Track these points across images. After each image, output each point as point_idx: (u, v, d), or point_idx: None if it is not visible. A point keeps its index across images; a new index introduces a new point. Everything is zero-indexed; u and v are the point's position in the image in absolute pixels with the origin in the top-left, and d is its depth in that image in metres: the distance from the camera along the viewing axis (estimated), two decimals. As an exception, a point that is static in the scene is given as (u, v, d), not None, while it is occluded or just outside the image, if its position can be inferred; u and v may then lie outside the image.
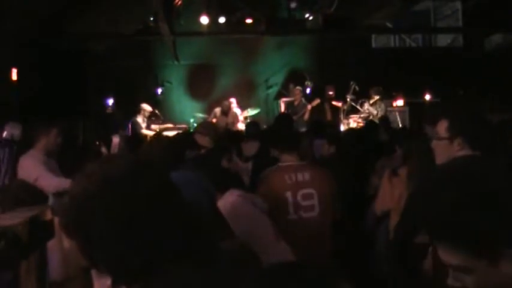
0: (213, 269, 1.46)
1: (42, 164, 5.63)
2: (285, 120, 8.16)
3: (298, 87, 13.67)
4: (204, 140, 5.04)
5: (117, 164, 1.53)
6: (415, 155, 4.55)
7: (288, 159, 4.71)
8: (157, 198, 1.50)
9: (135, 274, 1.47)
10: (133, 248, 1.44)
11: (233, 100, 14.17)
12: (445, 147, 3.26)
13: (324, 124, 8.29)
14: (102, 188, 1.47)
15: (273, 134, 6.04)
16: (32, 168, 5.59)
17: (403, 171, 4.68)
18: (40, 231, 2.30)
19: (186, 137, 4.63)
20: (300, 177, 4.56)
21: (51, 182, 5.44)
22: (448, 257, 1.47)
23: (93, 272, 2.92)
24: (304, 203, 4.50)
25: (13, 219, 2.09)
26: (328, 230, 4.63)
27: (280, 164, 4.71)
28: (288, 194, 4.46)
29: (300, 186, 4.52)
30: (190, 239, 1.50)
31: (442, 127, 3.26)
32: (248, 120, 12.69)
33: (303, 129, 10.74)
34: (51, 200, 4.34)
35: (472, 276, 1.45)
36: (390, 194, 4.72)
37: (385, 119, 10.54)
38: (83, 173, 1.53)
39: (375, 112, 12.53)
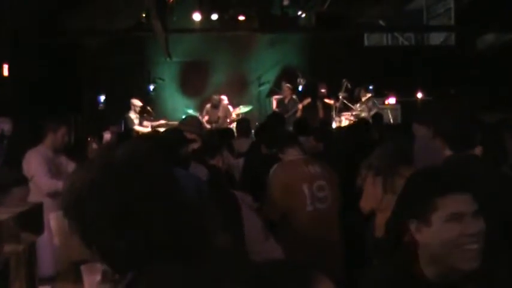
0: (204, 267, 1.46)
1: (44, 162, 5.69)
2: (277, 118, 8.19)
3: (288, 85, 13.67)
4: (190, 136, 5.04)
5: (119, 152, 1.52)
6: (388, 154, 4.62)
7: (294, 154, 4.75)
8: (158, 189, 1.49)
9: (128, 264, 1.46)
10: (129, 237, 1.44)
11: (224, 97, 14.16)
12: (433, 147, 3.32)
13: (307, 122, 8.29)
14: (102, 175, 1.47)
15: (270, 133, 6.06)
16: (33, 164, 5.67)
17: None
18: (29, 226, 2.30)
19: (176, 135, 4.61)
20: (312, 169, 4.63)
21: (45, 183, 5.52)
22: (467, 205, 2.01)
23: (83, 268, 2.93)
24: (319, 195, 4.56)
25: (3, 213, 2.09)
26: (337, 221, 4.70)
27: (289, 158, 4.73)
28: (305, 187, 4.53)
29: (314, 178, 4.58)
30: (185, 235, 1.49)
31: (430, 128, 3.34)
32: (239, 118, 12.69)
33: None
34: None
35: (479, 219, 2.02)
36: (373, 193, 4.79)
37: (378, 116, 10.57)
38: (87, 160, 1.54)
39: (366, 110, 12.56)
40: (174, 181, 1.57)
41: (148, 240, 1.44)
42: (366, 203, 4.94)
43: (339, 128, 11.79)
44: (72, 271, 3.33)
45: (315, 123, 9.97)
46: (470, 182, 2.11)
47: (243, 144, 6.86)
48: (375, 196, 4.76)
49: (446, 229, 2.02)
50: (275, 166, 4.73)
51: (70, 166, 5.93)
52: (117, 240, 1.44)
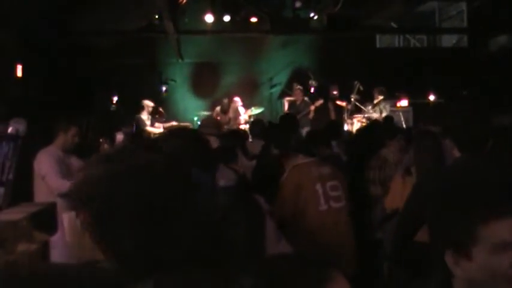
0: (218, 270, 1.44)
1: (55, 162, 5.72)
2: (290, 120, 8.17)
3: (299, 87, 13.68)
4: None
5: (143, 150, 1.52)
6: (421, 153, 4.60)
7: (302, 157, 4.78)
8: (184, 191, 1.48)
9: (144, 269, 1.42)
10: (149, 239, 1.41)
11: (237, 99, 14.17)
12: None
13: (339, 125, 8.29)
14: (126, 171, 1.45)
15: (282, 134, 6.06)
16: (44, 165, 5.71)
17: (414, 170, 4.74)
18: (42, 226, 2.32)
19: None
20: (322, 170, 4.66)
21: (55, 183, 5.55)
22: None
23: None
24: (333, 194, 4.59)
25: (16, 213, 2.11)
26: (350, 220, 4.71)
27: (298, 162, 4.76)
28: (318, 186, 4.57)
29: (327, 179, 4.63)
30: (201, 239, 1.47)
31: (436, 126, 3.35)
32: (252, 119, 12.69)
33: (307, 128, 10.75)
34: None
35: None
36: (401, 192, 4.79)
37: (389, 119, 10.54)
38: (107, 154, 1.53)
39: (378, 112, 12.53)
40: (196, 183, 1.56)
41: (170, 243, 1.42)
42: (392, 202, 4.95)
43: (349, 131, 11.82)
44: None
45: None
46: None
47: (256, 146, 6.85)
48: (403, 195, 4.75)
49: (493, 262, 1.65)
50: (288, 169, 4.76)
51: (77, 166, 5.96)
52: (132, 240, 1.41)
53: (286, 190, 4.61)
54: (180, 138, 3.04)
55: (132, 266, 1.45)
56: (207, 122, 7.42)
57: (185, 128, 7.80)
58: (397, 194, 4.87)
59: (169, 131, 4.13)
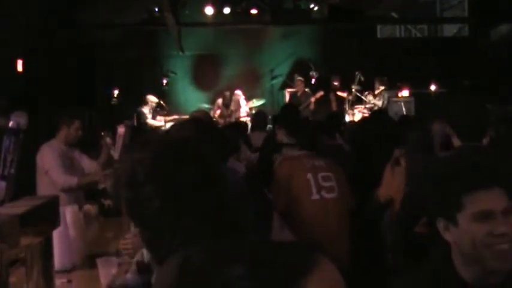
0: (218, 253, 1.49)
1: (58, 156, 5.69)
2: (293, 109, 8.13)
3: (300, 78, 13.66)
4: None
5: (174, 134, 1.62)
6: (411, 144, 4.64)
7: (295, 151, 4.80)
8: (216, 169, 1.58)
9: (172, 249, 1.49)
10: (175, 210, 1.49)
11: (239, 92, 14.14)
12: None
13: (340, 116, 8.25)
14: (161, 153, 1.53)
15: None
16: (47, 159, 5.68)
17: (404, 161, 4.77)
18: (45, 219, 2.32)
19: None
20: (315, 162, 4.67)
21: (58, 179, 5.54)
22: (496, 202, 1.86)
23: (98, 261, 2.95)
24: (325, 184, 4.59)
25: (19, 207, 2.11)
26: (346, 212, 4.72)
27: (292, 154, 4.79)
28: (309, 176, 4.57)
29: (319, 169, 4.63)
30: (226, 218, 1.56)
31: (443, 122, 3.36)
32: (253, 111, 12.68)
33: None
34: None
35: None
36: (392, 183, 4.83)
37: (384, 111, 10.53)
38: (143, 142, 1.61)
39: (379, 103, 12.52)
40: (221, 166, 1.67)
41: (198, 224, 1.50)
42: (384, 192, 4.98)
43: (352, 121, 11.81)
44: (87, 264, 3.36)
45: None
46: (500, 175, 1.95)
47: (259, 138, 6.84)
48: (393, 185, 4.79)
49: (474, 229, 1.88)
50: (279, 160, 4.79)
51: (83, 160, 5.95)
52: (165, 213, 1.49)
53: (278, 181, 4.63)
54: (197, 130, 3.05)
55: (167, 241, 1.52)
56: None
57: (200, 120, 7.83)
58: (388, 184, 4.92)
59: (184, 121, 4.13)
